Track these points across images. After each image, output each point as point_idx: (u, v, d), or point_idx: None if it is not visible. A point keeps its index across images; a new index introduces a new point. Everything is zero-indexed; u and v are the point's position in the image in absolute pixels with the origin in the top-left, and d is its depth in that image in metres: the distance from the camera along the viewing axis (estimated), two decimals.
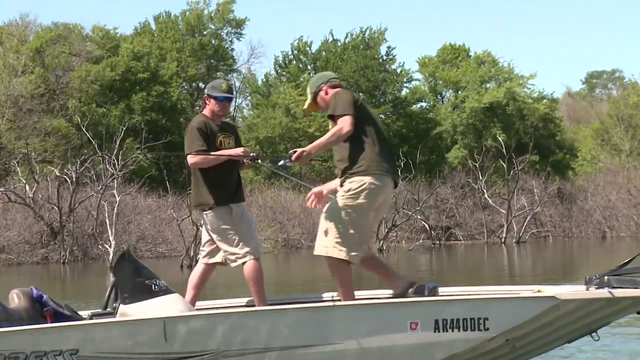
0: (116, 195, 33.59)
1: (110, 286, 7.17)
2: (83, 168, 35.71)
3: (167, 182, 36.65)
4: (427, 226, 44.16)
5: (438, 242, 43.80)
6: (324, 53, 56.88)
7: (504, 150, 45.29)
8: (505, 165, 45.37)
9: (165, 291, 6.98)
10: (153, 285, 6.93)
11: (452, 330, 6.48)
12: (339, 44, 57.20)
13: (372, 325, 6.52)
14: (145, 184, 40.66)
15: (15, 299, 7.35)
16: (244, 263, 7.52)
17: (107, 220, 32.99)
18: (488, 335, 6.49)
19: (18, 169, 39.06)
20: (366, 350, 6.52)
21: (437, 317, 6.49)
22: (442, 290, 7.28)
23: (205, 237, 7.94)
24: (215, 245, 7.76)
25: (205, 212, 7.67)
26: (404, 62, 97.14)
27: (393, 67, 57.83)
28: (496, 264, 27.66)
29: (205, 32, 57.73)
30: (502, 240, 43.38)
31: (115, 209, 33.06)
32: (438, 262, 30.08)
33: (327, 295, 7.72)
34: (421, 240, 42.95)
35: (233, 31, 58.90)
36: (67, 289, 21.82)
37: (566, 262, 28.44)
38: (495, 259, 31.23)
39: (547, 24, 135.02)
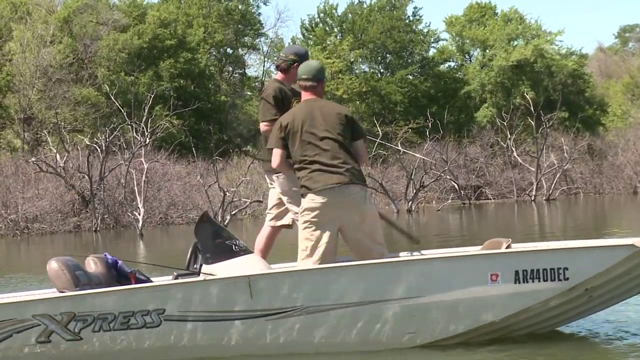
0: (144, 163, 33.51)
1: (191, 247, 7.29)
2: (112, 136, 35.68)
3: (193, 149, 36.74)
4: (456, 186, 43.99)
5: (468, 201, 43.66)
6: (350, 15, 56.64)
7: (532, 108, 44.96)
8: (534, 123, 45.08)
9: (245, 251, 7.12)
10: (233, 246, 7.06)
11: (533, 281, 6.57)
12: (365, 5, 57.00)
13: (453, 277, 6.63)
14: (174, 150, 40.74)
15: (92, 265, 7.55)
16: None
17: (135, 188, 33.12)
18: (568, 285, 6.59)
19: (49, 138, 39.22)
20: (448, 302, 6.64)
21: (518, 268, 6.58)
22: (515, 245, 7.34)
23: (272, 200, 8.03)
24: (282, 208, 7.87)
25: (276, 175, 7.73)
26: (430, 22, 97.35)
27: (420, 27, 57.64)
28: (527, 222, 27.59)
29: None
30: (532, 198, 43.22)
31: (144, 176, 32.97)
32: (468, 222, 30.00)
33: (403, 253, 7.82)
34: (450, 200, 42.88)
35: None
36: None
37: (598, 218, 28.37)
38: (526, 216, 31.13)
39: None
